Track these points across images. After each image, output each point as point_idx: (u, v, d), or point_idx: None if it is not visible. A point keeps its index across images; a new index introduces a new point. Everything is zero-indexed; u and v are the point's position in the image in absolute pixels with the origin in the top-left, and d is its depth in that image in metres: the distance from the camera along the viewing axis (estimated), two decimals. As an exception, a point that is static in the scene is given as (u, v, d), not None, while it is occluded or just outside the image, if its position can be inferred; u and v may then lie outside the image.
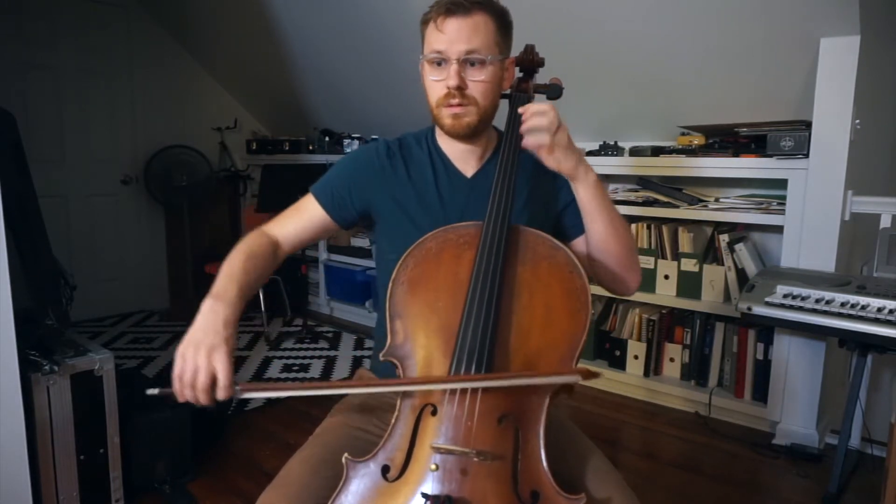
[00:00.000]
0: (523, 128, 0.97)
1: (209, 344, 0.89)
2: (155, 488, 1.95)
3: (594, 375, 0.88)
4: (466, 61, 1.01)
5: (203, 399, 0.88)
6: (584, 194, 1.03)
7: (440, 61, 1.02)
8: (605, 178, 3.05)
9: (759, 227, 2.60)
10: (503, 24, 1.05)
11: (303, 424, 2.38)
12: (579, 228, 1.13)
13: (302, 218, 1.15)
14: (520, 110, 0.99)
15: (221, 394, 0.88)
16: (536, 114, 0.96)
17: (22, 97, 3.52)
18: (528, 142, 0.97)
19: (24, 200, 1.87)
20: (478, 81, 1.02)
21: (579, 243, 1.16)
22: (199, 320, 0.92)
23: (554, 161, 0.99)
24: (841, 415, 1.98)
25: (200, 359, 0.88)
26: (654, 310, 2.76)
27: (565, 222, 1.17)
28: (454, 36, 1.00)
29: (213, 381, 0.87)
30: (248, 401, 2.68)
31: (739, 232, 2.62)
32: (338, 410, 1.14)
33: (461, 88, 1.01)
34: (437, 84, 1.03)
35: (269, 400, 2.70)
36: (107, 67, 3.92)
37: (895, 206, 2.12)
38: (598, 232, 1.06)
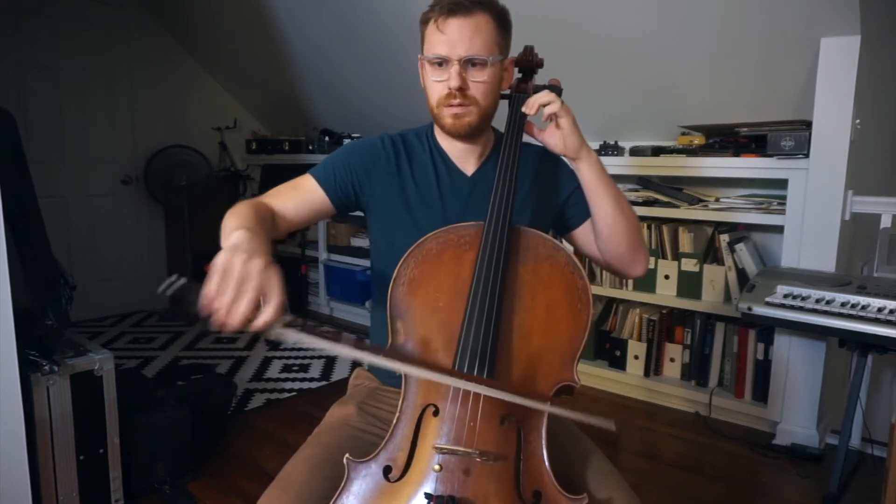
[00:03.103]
0: (532, 111, 1.03)
1: (263, 259, 0.75)
2: (155, 488, 1.95)
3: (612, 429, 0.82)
4: (468, 62, 1.01)
5: (238, 316, 0.71)
6: (588, 174, 1.06)
7: (441, 62, 1.02)
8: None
9: (759, 227, 2.60)
10: (503, 23, 1.05)
11: (303, 424, 2.38)
12: (583, 215, 1.14)
13: (300, 195, 1.11)
14: (524, 109, 1.04)
15: (268, 315, 0.72)
16: (541, 95, 1.03)
17: (22, 97, 3.51)
18: (537, 98, 1.02)
19: (24, 200, 1.86)
20: (479, 82, 1.02)
21: (585, 231, 1.17)
22: (236, 241, 0.80)
23: (559, 140, 1.03)
24: (841, 415, 1.98)
25: (254, 266, 0.73)
26: (654, 310, 2.76)
27: (568, 213, 1.18)
28: (456, 37, 1.00)
29: (257, 303, 0.73)
30: (248, 400, 2.68)
31: (740, 232, 2.62)
32: (336, 411, 1.14)
33: (462, 89, 1.02)
34: (437, 84, 1.04)
35: (269, 400, 2.70)
36: (107, 67, 3.92)
37: (895, 206, 2.12)
38: (605, 210, 1.08)
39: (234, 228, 0.86)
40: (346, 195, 1.13)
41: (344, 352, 0.82)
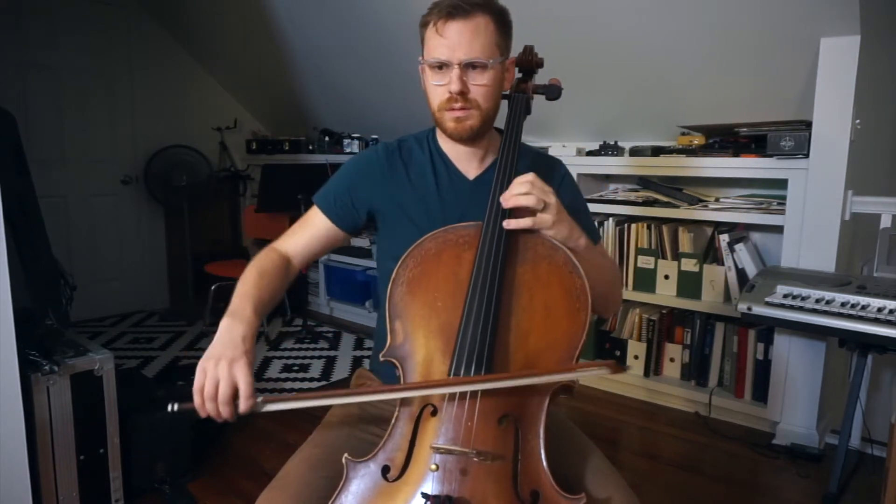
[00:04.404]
0: (505, 204, 0.95)
1: (229, 356, 0.89)
2: (155, 488, 1.95)
3: (621, 370, 0.89)
4: (469, 65, 1.01)
5: (225, 412, 0.88)
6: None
7: (442, 65, 1.02)
8: (606, 178, 3.06)
9: (759, 227, 2.60)
10: (503, 24, 1.05)
11: (303, 424, 2.38)
12: None
13: (309, 230, 1.15)
14: (501, 199, 0.96)
15: (244, 405, 0.87)
16: (519, 195, 0.94)
17: (22, 97, 3.51)
18: (511, 224, 0.94)
19: (24, 200, 1.87)
20: (480, 85, 1.02)
21: None
22: (217, 338, 0.93)
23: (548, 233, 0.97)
24: (841, 415, 1.98)
25: (221, 370, 0.88)
26: (654, 310, 2.76)
27: None
28: (455, 40, 0.99)
29: (234, 394, 0.88)
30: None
31: (739, 232, 2.62)
32: (336, 410, 1.14)
33: (463, 93, 1.01)
34: (438, 88, 1.03)
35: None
36: (107, 67, 3.92)
37: (895, 206, 2.12)
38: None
39: (228, 313, 0.96)
40: (351, 219, 1.15)
41: (330, 401, 1.01)
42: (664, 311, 2.74)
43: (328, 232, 1.15)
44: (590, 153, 2.87)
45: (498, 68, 1.04)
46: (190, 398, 0.88)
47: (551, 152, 2.85)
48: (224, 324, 0.95)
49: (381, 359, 0.95)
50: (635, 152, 2.73)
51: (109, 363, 1.76)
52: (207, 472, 2.08)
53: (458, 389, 0.88)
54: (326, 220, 1.14)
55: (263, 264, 1.07)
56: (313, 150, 4.16)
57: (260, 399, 0.88)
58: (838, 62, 2.10)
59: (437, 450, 0.86)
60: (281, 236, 1.16)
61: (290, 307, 3.90)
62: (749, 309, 2.00)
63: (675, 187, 2.69)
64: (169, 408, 0.86)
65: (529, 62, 1.14)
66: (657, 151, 2.67)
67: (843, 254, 2.25)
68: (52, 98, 3.68)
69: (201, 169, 4.09)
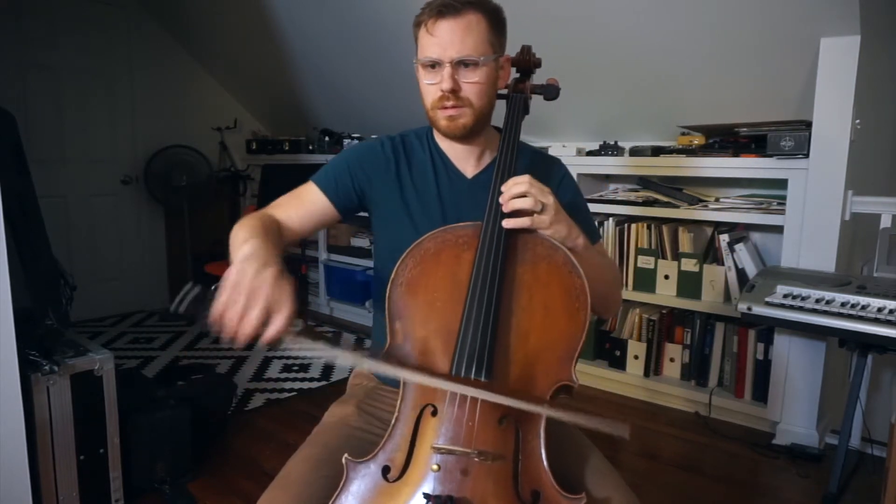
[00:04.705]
0: (504, 208, 0.94)
1: (274, 269, 0.78)
2: (155, 488, 1.95)
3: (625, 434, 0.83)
4: (460, 63, 1.01)
5: (246, 331, 0.73)
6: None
7: (434, 64, 1.02)
8: (606, 178, 3.06)
9: (759, 227, 2.60)
10: (496, 21, 1.05)
11: (303, 424, 2.38)
12: None
13: (304, 204, 1.12)
14: (500, 195, 0.95)
15: (277, 327, 0.74)
16: (517, 196, 0.93)
17: (22, 97, 3.52)
18: (509, 223, 0.94)
19: (24, 200, 1.87)
20: (472, 83, 1.02)
21: None
22: (248, 251, 0.81)
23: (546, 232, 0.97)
24: (841, 415, 1.98)
25: (264, 278, 0.76)
26: (654, 310, 2.76)
27: None
28: (446, 39, 1.00)
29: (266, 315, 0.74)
30: (248, 400, 2.68)
31: (739, 232, 2.62)
32: (335, 410, 1.14)
33: (455, 91, 1.02)
34: (431, 87, 1.04)
35: (269, 400, 2.70)
36: (107, 67, 3.92)
37: (895, 206, 2.12)
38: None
39: (245, 240, 0.87)
40: (349, 199, 1.13)
41: (348, 360, 0.87)
42: (664, 311, 2.74)
43: (323, 209, 1.12)
44: (590, 153, 2.87)
45: (491, 66, 1.04)
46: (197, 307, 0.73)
47: (551, 152, 2.85)
48: (251, 244, 0.83)
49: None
50: (635, 152, 2.73)
51: (109, 363, 1.76)
52: (207, 472, 2.08)
53: (477, 394, 0.86)
54: (323, 197, 1.11)
55: (261, 218, 1.02)
56: (313, 150, 4.16)
57: (297, 329, 0.74)
58: (838, 62, 2.10)
59: (438, 450, 0.86)
60: (271, 206, 1.10)
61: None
62: (749, 309, 2.00)
63: (675, 187, 2.69)
64: (173, 307, 0.72)
65: (527, 62, 1.15)
66: (657, 151, 2.67)
67: (843, 254, 2.25)
68: (52, 98, 3.68)
69: (201, 169, 4.10)
